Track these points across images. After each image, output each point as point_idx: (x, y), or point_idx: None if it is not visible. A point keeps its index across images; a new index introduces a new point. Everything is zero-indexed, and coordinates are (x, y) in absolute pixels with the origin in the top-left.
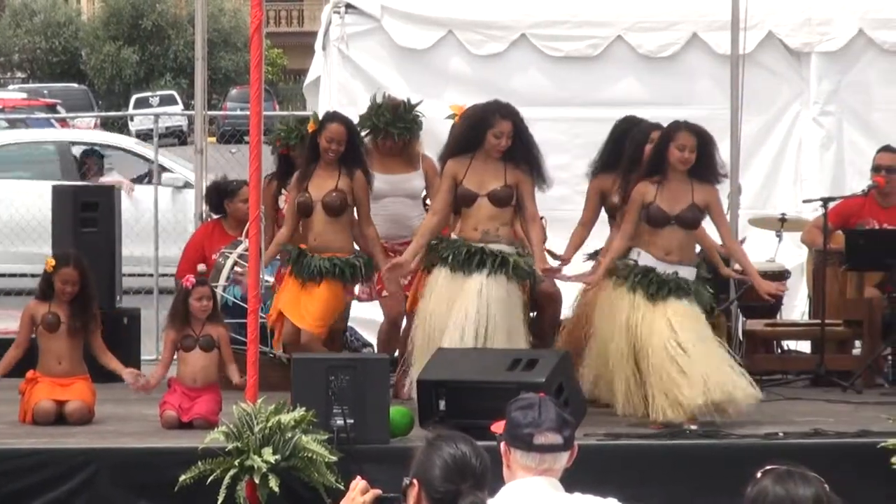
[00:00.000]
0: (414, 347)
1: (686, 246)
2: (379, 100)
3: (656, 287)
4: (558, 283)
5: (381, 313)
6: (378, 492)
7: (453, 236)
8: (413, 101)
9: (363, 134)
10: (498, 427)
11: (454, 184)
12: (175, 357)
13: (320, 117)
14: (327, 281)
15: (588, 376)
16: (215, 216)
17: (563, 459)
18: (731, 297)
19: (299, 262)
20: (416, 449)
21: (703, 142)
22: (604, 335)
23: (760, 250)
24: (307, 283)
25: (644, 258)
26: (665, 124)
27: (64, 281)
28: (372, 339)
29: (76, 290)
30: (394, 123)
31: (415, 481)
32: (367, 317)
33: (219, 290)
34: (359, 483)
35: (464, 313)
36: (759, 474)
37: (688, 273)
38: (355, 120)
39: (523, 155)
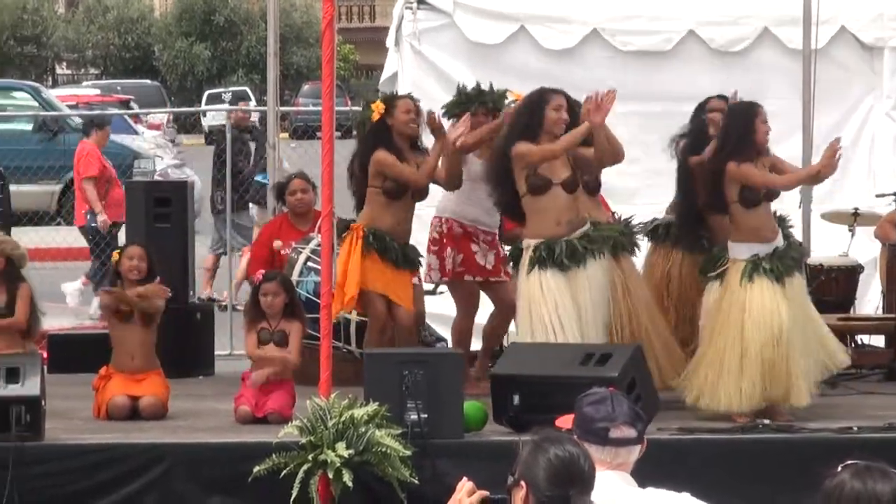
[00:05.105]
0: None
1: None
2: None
3: (783, 266)
4: None
5: (454, 307)
6: (485, 493)
7: (528, 241)
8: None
9: (448, 122)
10: (563, 422)
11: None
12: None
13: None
14: (405, 269)
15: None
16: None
17: (635, 453)
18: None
19: (385, 245)
20: (521, 448)
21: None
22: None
23: (833, 245)
24: (396, 267)
25: (758, 248)
26: None
27: (130, 257)
28: (445, 333)
29: (144, 269)
30: (480, 96)
31: (522, 483)
32: (438, 311)
33: None
34: (465, 484)
35: (598, 304)
36: (839, 468)
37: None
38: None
39: None
